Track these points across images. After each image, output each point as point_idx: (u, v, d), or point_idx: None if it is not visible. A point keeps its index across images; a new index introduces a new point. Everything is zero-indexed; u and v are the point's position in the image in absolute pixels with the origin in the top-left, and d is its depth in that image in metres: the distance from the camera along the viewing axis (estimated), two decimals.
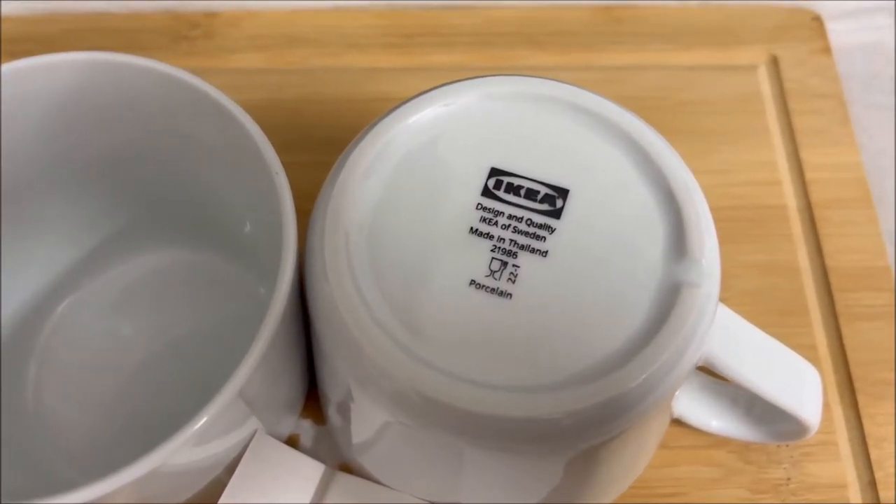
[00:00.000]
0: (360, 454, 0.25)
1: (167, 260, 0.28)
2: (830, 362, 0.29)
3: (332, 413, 0.25)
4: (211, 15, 0.35)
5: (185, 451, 0.20)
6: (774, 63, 0.35)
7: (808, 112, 0.33)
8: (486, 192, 0.21)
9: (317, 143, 0.33)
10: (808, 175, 0.32)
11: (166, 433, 0.19)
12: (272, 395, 0.24)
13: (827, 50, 0.35)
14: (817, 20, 0.35)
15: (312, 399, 0.28)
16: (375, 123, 0.21)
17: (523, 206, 0.20)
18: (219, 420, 0.20)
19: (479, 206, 0.21)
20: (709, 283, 0.19)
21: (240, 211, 0.26)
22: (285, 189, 0.21)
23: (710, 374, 0.27)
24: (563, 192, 0.21)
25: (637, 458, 0.24)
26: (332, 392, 0.23)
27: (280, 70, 0.35)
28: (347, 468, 0.26)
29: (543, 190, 0.21)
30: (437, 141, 0.21)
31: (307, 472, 0.25)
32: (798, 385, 0.23)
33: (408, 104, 0.21)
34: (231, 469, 0.24)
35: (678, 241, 0.20)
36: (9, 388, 0.26)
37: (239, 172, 0.23)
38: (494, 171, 0.21)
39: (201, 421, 0.19)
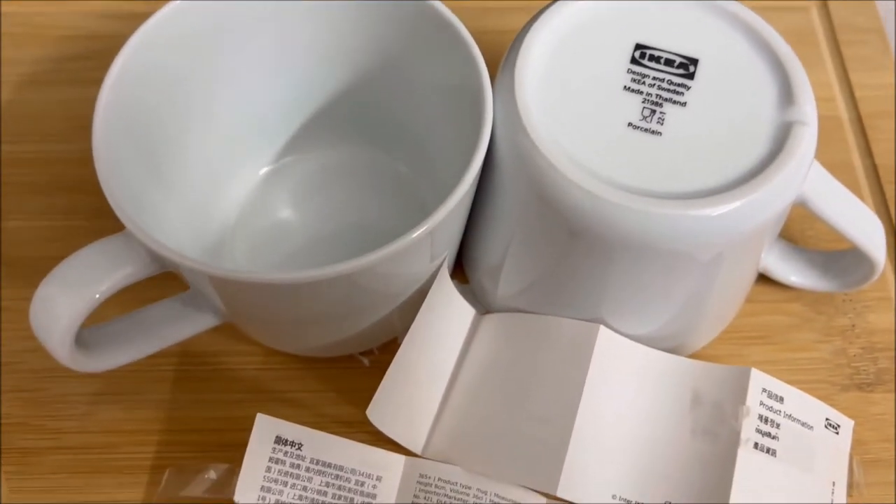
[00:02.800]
0: (507, 299, 0.31)
1: (349, 155, 0.34)
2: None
3: (485, 267, 0.31)
4: None
5: (380, 266, 0.24)
6: (824, 5, 0.41)
7: (854, 43, 0.39)
8: (634, 61, 0.27)
9: None
10: (857, 93, 0.38)
11: None
12: (445, 242, 0.29)
13: None
14: None
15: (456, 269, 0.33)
16: (547, 8, 0.27)
17: (664, 70, 0.26)
18: (410, 249, 0.24)
19: (629, 71, 0.26)
20: (813, 124, 0.25)
21: (426, 121, 0.32)
22: (480, 61, 0.26)
23: (789, 242, 0.33)
24: (694, 61, 0.26)
25: (739, 290, 0.30)
26: (499, 236, 0.29)
27: None
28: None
29: (678, 59, 0.27)
30: (594, 22, 0.27)
31: (463, 315, 0.31)
32: (871, 229, 0.29)
33: None
34: (399, 309, 0.29)
35: (787, 94, 0.26)
36: (216, 223, 0.32)
37: (431, 77, 0.29)
38: (639, 46, 0.27)
39: (398, 244, 0.24)
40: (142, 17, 0.41)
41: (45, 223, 0.35)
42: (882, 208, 0.35)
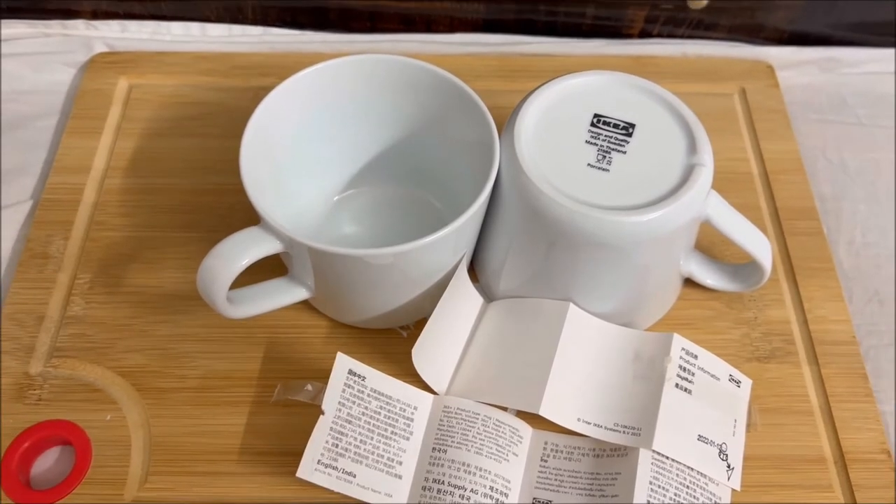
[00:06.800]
0: (505, 291, 0.43)
1: (395, 190, 0.47)
2: (780, 258, 0.48)
3: (490, 270, 0.44)
4: None
5: (418, 252, 0.37)
6: (743, 92, 0.55)
7: (765, 120, 0.53)
8: (593, 125, 0.40)
9: None
10: (766, 155, 0.52)
11: None
12: (463, 243, 0.41)
13: (777, 85, 0.55)
14: (770, 67, 0.56)
15: (469, 272, 0.46)
16: (535, 90, 0.41)
17: (612, 131, 0.40)
18: (438, 243, 0.37)
19: (589, 131, 0.40)
20: (709, 166, 0.39)
21: (452, 167, 0.45)
22: (492, 123, 0.40)
23: (706, 254, 0.46)
24: (632, 125, 0.40)
25: (668, 282, 0.43)
26: (500, 246, 0.42)
27: None
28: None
29: (623, 123, 0.40)
30: (566, 99, 0.41)
31: (475, 301, 0.44)
32: (759, 242, 0.42)
33: (552, 82, 0.41)
34: (429, 293, 0.41)
35: (692, 146, 0.39)
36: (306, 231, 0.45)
37: (457, 136, 0.43)
38: (596, 115, 0.40)
39: (428, 239, 0.36)
40: (237, 91, 0.55)
41: (170, 234, 0.48)
42: (780, 238, 0.48)
